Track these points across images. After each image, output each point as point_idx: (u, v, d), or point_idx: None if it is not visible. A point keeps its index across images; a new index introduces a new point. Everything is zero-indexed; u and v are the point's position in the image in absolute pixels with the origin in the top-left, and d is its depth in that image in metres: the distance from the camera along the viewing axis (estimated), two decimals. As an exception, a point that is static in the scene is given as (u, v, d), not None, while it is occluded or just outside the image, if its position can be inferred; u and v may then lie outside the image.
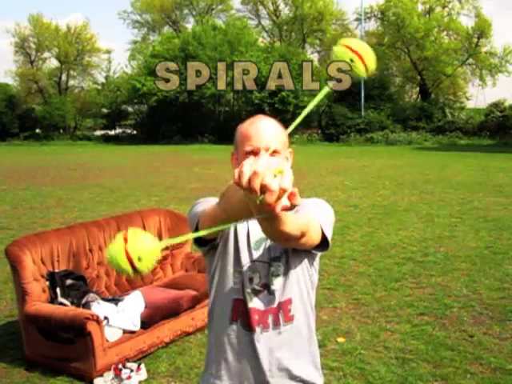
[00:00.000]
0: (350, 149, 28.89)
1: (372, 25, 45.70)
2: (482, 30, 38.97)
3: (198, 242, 1.59)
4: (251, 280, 1.60)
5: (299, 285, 1.64)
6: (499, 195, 11.58)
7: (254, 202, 1.05)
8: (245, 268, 1.60)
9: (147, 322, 4.01)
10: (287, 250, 1.61)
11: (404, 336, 4.32)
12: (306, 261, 1.65)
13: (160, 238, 4.89)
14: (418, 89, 43.43)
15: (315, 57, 46.14)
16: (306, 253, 1.63)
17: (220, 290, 1.64)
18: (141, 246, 1.06)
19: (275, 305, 1.60)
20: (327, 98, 37.07)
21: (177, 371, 3.84)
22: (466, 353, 3.99)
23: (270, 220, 1.19)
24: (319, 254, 1.68)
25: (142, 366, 3.76)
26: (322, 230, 1.51)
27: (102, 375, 3.63)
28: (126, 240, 1.07)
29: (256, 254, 1.61)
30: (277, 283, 1.60)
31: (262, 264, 1.61)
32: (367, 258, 6.74)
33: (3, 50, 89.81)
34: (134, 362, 3.82)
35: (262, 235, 1.56)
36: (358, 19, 43.39)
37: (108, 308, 3.92)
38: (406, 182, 14.10)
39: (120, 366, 3.67)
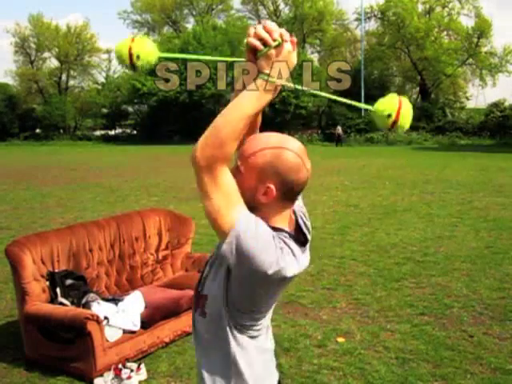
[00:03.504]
0: (350, 149, 28.88)
1: (372, 25, 45.94)
2: (482, 30, 39.02)
3: None
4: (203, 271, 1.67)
5: (218, 289, 1.53)
6: (499, 195, 11.59)
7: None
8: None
9: (147, 322, 4.01)
10: (219, 247, 1.49)
11: (404, 336, 4.32)
12: (227, 273, 1.50)
13: (160, 238, 4.89)
14: (418, 89, 43.48)
15: (315, 57, 46.22)
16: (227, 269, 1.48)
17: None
18: (143, 48, 1.33)
19: (202, 293, 1.63)
20: (327, 98, 37.13)
21: (177, 371, 3.84)
22: (466, 353, 3.99)
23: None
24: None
25: (142, 365, 3.76)
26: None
27: (102, 375, 3.63)
28: (133, 40, 1.33)
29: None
30: (206, 273, 1.64)
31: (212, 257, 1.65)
32: (367, 257, 6.74)
33: (3, 50, 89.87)
34: (134, 361, 3.82)
35: None
36: (358, 19, 43.48)
37: (108, 308, 3.92)
38: (406, 182, 14.11)
39: (120, 365, 3.67)
